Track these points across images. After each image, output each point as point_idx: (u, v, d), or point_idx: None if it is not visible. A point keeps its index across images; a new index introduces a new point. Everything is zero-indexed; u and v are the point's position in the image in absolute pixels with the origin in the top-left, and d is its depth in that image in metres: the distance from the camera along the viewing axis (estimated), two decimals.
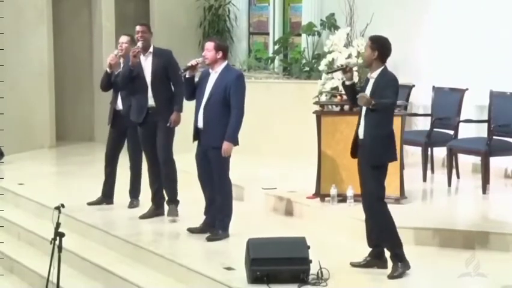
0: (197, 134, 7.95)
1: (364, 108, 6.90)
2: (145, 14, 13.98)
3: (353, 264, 7.12)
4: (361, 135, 6.96)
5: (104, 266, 7.90)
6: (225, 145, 7.74)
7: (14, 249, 9.12)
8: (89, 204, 9.30)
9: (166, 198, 8.74)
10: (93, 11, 13.83)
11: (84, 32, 13.83)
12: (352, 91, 7.08)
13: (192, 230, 8.15)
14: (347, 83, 7.10)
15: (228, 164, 7.91)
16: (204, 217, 8.16)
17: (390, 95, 6.81)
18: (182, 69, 7.97)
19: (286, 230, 7.91)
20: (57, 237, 6.89)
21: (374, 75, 6.91)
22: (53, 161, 12.88)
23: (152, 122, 8.58)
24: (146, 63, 8.57)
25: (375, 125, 6.85)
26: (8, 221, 9.69)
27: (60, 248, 6.90)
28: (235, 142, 7.78)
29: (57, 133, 13.59)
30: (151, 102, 8.54)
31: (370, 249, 7.14)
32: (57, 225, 6.93)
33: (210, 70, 7.90)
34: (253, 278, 6.68)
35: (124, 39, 9.05)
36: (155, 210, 8.80)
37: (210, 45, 7.85)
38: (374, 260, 7.10)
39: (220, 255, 7.48)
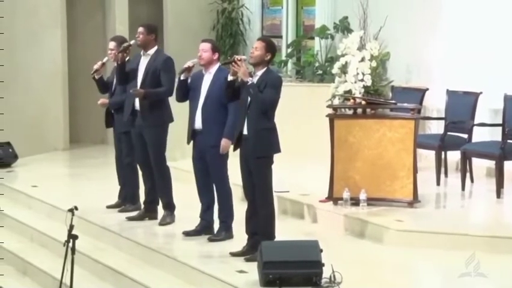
0: (193, 135, 8.00)
1: (247, 105, 7.21)
2: (159, 17, 13.99)
3: (233, 254, 7.35)
4: (245, 131, 7.25)
5: (116, 268, 7.91)
6: (223, 142, 7.81)
7: (27, 251, 9.14)
8: (108, 207, 9.31)
9: (161, 203, 8.72)
10: (107, 14, 13.85)
11: (97, 35, 13.84)
12: (230, 87, 7.34)
13: (188, 233, 8.16)
14: (230, 78, 7.30)
15: (226, 164, 7.96)
16: (199, 220, 8.19)
17: (270, 92, 7.18)
18: (178, 72, 8.03)
19: (299, 233, 7.89)
20: (71, 240, 6.90)
21: (259, 73, 7.24)
22: (67, 163, 12.92)
23: (139, 125, 8.57)
24: (141, 65, 8.55)
25: (256, 120, 7.19)
26: (21, 223, 9.71)
27: (73, 250, 6.90)
28: (232, 139, 7.73)
29: (70, 136, 13.61)
30: (137, 105, 8.54)
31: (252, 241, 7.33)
32: (71, 227, 6.94)
33: (204, 71, 7.96)
34: (265, 281, 6.66)
35: (111, 45, 9.17)
36: (146, 213, 8.80)
37: (206, 46, 7.93)
38: (252, 250, 7.27)
39: (233, 258, 7.46)
